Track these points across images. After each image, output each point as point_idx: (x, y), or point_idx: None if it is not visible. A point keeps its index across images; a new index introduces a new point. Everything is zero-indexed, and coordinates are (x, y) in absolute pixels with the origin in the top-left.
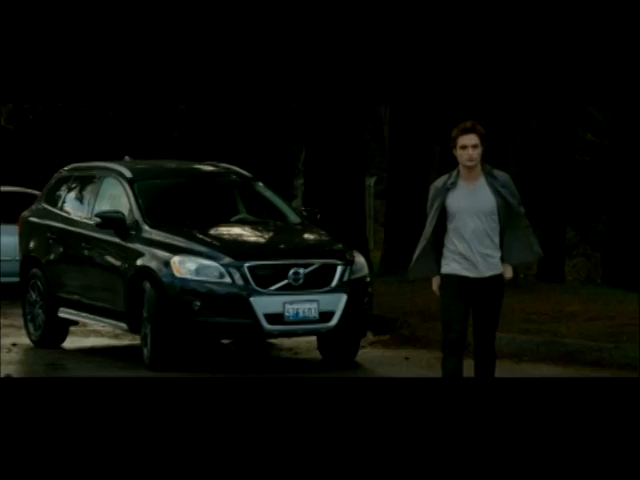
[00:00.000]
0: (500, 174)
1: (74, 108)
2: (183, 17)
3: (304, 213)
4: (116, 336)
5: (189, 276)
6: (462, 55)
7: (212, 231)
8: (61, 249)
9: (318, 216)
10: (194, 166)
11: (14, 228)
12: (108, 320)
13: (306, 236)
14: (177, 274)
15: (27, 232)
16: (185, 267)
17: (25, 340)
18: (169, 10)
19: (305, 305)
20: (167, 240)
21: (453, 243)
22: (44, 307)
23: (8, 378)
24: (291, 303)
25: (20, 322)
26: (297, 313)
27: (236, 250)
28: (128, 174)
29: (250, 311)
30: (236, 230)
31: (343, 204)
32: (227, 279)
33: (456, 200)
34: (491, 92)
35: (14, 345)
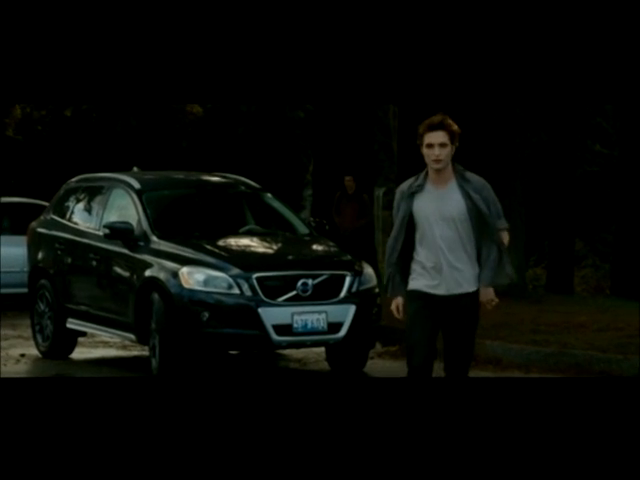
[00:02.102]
0: (474, 178)
1: (82, 119)
2: (191, 26)
3: (312, 224)
4: (124, 347)
5: (197, 287)
6: (472, 65)
7: (220, 242)
8: (69, 260)
9: (327, 227)
10: (202, 177)
11: (22, 239)
12: (116, 331)
13: (314, 247)
14: (185, 285)
15: (35, 243)
16: (193, 278)
17: (33, 351)
18: (178, 18)
19: (313, 316)
20: (175, 251)
21: (420, 255)
22: (52, 318)
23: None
24: (299, 314)
25: (28, 333)
26: (305, 324)
27: (244, 261)
28: (136, 185)
29: (258, 322)
30: (244, 241)
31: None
32: (235, 290)
33: (422, 205)
34: (501, 102)
35: (22, 356)
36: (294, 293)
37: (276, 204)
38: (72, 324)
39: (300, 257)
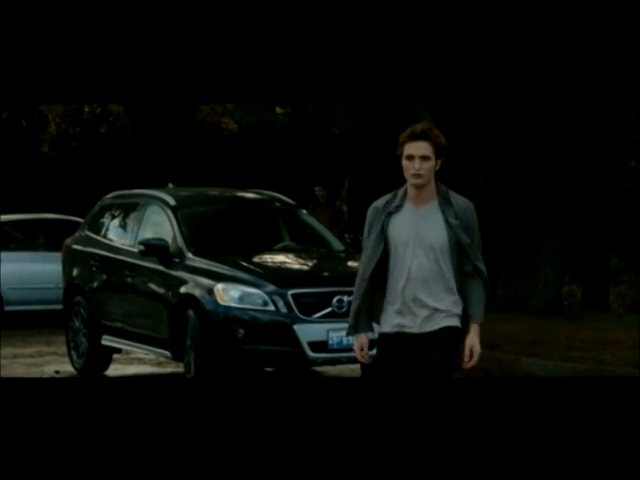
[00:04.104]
0: (459, 200)
1: (117, 135)
2: (220, 27)
3: (348, 240)
4: (159, 364)
5: (233, 304)
6: (507, 80)
7: (256, 259)
8: (104, 277)
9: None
10: (237, 193)
11: (57, 256)
12: (151, 348)
13: (350, 263)
14: (221, 302)
15: (70, 260)
16: (229, 295)
17: (68, 368)
18: (214, 38)
19: None
20: (210, 268)
21: (390, 286)
22: (87, 335)
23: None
24: (335, 331)
25: (63, 350)
26: (341, 341)
27: (280, 278)
28: (172, 201)
29: (294, 339)
30: (280, 258)
31: None
32: (271, 307)
33: (399, 228)
34: (537, 120)
35: (57, 372)
36: (329, 310)
37: (311, 220)
38: (107, 341)
39: (335, 273)
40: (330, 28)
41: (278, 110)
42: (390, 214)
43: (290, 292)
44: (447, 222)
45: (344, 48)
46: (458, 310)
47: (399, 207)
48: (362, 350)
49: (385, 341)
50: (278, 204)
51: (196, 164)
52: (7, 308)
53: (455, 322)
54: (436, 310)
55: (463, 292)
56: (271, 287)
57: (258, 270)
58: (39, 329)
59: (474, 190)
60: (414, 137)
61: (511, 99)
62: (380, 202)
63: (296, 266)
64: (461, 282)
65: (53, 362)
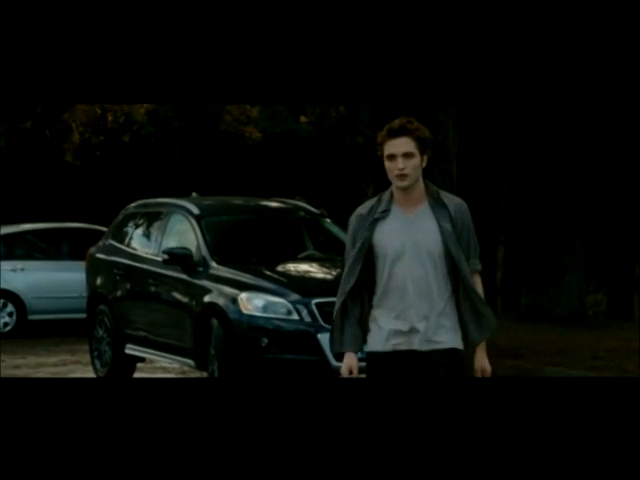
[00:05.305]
0: (452, 200)
1: (141, 144)
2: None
3: None
4: (183, 373)
5: (256, 313)
6: (532, 91)
7: (280, 268)
8: (128, 285)
9: None
10: (261, 202)
11: (81, 264)
12: (175, 357)
13: None
14: (244, 311)
15: (94, 269)
16: (253, 304)
17: (92, 376)
18: (237, 38)
19: None
20: (234, 277)
21: (381, 300)
22: (111, 344)
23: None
24: None
25: (87, 359)
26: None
27: (304, 287)
28: (195, 210)
29: (317, 348)
30: (304, 267)
31: None
32: (294, 316)
33: (388, 234)
34: (561, 129)
35: None
36: None
37: (335, 229)
38: (131, 350)
39: None
40: (358, 30)
41: (302, 119)
42: (376, 221)
43: (314, 301)
44: (439, 225)
45: (370, 51)
46: (453, 323)
47: (386, 212)
48: (351, 373)
49: (378, 360)
50: (302, 213)
51: (220, 173)
52: (31, 317)
53: (457, 342)
54: (431, 325)
55: (462, 304)
56: (295, 296)
57: (282, 279)
58: (63, 338)
59: (498, 199)
60: (393, 134)
61: (535, 108)
62: (364, 208)
63: (320, 275)
64: (459, 291)
65: (77, 371)
